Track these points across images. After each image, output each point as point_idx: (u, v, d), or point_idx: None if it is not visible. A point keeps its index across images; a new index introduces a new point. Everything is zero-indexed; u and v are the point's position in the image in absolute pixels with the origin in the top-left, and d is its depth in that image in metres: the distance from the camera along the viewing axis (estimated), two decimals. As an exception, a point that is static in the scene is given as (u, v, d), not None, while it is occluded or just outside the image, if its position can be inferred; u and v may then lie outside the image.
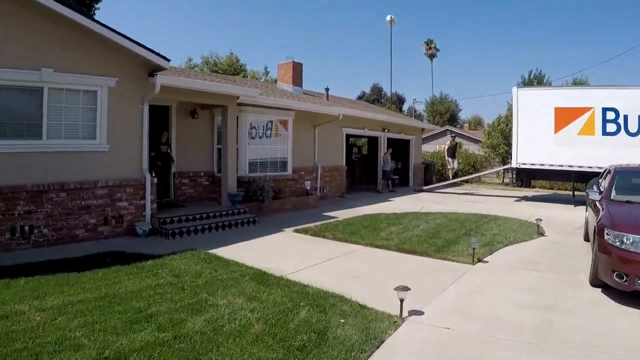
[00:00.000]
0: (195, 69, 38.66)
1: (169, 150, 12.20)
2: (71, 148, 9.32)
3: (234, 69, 41.35)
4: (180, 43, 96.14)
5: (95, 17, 10.84)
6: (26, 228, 8.76)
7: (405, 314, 5.36)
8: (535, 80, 39.14)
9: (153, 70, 10.13)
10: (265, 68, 48.34)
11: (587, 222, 9.79)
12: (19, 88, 8.77)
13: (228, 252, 8.52)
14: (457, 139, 24.85)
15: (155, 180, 10.42)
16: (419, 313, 5.54)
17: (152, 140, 14.73)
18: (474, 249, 8.11)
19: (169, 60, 10.02)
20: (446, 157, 24.15)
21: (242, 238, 9.75)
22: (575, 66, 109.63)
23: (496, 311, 5.72)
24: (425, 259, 8.27)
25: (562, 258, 8.53)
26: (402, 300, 5.24)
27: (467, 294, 6.35)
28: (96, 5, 22.74)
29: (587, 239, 9.48)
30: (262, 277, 6.75)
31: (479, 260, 8.10)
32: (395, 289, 5.23)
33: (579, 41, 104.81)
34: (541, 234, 10.59)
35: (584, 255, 8.54)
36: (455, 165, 24.07)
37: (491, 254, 8.68)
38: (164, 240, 9.72)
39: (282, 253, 8.67)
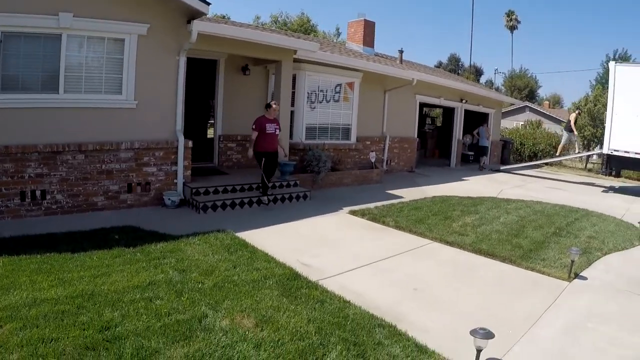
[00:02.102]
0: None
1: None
2: (92, 104, 8.00)
3: (305, 29, 39.76)
4: (248, 3, 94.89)
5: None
6: (37, 193, 7.58)
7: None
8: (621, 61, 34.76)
9: (192, 17, 8.54)
10: (337, 29, 46.79)
11: None
12: (33, 35, 7.45)
13: (262, 236, 6.99)
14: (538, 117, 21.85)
15: (190, 143, 8.97)
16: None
17: (198, 97, 13.52)
18: (572, 261, 6.10)
19: (208, 4, 8.34)
20: (568, 132, 20.71)
21: (285, 217, 8.20)
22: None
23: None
24: (508, 267, 6.37)
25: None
26: (479, 351, 3.46)
27: (565, 332, 4.46)
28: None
29: None
30: (291, 283, 5.10)
31: (576, 275, 6.13)
32: (471, 332, 3.44)
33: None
34: (643, 240, 8.36)
35: None
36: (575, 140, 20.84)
37: (589, 265, 6.66)
38: (193, 214, 8.33)
39: (329, 243, 7.04)
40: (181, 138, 8.81)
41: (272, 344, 3.71)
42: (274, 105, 9.34)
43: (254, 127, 9.05)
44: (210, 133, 14.73)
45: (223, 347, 3.61)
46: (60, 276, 4.90)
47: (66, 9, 7.52)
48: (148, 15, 8.33)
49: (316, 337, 3.86)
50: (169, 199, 8.53)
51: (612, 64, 15.40)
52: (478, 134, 19.76)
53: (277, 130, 9.30)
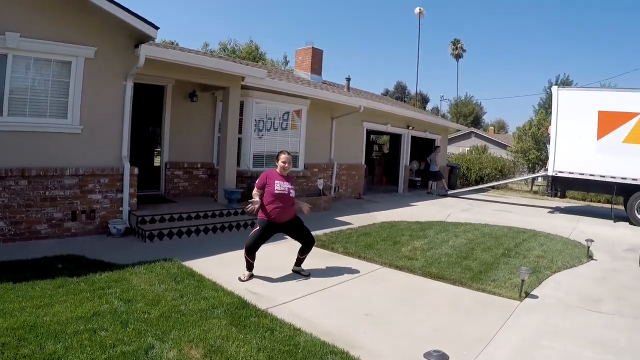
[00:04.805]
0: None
1: None
2: (36, 128, 7.82)
3: (253, 57, 40.10)
4: (199, 33, 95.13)
5: None
6: (-23, 221, 7.31)
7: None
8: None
9: (140, 41, 8.54)
10: (285, 57, 47.36)
11: None
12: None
13: (209, 265, 6.95)
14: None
15: (136, 170, 8.85)
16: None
17: (145, 123, 13.40)
18: (522, 280, 6.34)
19: (157, 28, 8.33)
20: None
21: (232, 246, 8.14)
22: (603, 74, 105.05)
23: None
24: (459, 290, 6.56)
25: (625, 292, 6.84)
26: (431, 374, 3.57)
27: (519, 350, 4.62)
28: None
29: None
30: (240, 311, 5.08)
31: (527, 294, 6.38)
32: (425, 355, 3.57)
33: (607, 47, 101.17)
34: (590, 257, 8.86)
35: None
36: None
37: (539, 284, 6.95)
38: (139, 243, 8.18)
39: (277, 270, 7.03)
40: (127, 165, 8.69)
41: (220, 374, 3.71)
42: (281, 157, 6.66)
43: (257, 183, 6.71)
44: (157, 161, 14.55)
45: (170, 378, 3.58)
46: (0, 307, 4.74)
47: (13, 28, 7.41)
48: (96, 38, 8.28)
49: (265, 367, 3.88)
50: (115, 227, 8.36)
51: (554, 88, 16.28)
52: (430, 160, 20.37)
53: (292, 192, 6.63)
